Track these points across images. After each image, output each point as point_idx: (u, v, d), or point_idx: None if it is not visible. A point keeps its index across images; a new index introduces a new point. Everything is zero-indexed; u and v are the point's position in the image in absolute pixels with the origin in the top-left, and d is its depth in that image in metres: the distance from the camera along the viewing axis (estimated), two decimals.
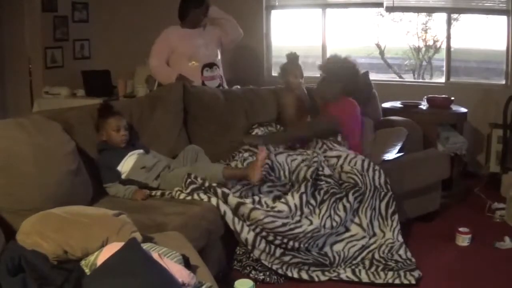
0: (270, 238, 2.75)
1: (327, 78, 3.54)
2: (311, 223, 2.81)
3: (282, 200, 2.85)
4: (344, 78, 3.50)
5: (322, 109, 3.59)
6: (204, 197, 2.74)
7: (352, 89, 3.56)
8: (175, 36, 3.91)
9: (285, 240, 2.77)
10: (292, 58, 3.75)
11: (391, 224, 3.05)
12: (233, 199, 2.72)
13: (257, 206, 2.76)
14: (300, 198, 2.86)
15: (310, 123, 3.58)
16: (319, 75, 3.66)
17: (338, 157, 3.18)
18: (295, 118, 3.66)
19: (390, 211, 3.06)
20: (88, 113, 2.99)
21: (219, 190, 2.75)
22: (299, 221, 2.80)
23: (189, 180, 2.82)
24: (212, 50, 4.00)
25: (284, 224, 2.72)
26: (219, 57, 4.09)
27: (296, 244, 2.79)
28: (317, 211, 2.88)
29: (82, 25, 5.77)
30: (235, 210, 2.72)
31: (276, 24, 5.45)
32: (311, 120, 3.59)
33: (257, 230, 2.73)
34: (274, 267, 2.77)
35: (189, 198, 2.76)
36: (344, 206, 2.92)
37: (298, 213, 2.83)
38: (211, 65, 3.93)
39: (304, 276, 2.77)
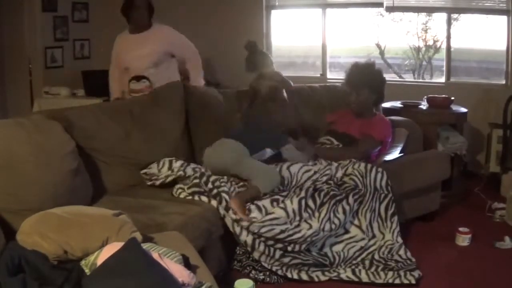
0: (270, 242, 2.75)
1: (357, 89, 3.47)
2: (310, 227, 2.79)
3: (281, 205, 2.82)
4: (376, 88, 3.49)
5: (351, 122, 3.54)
6: (205, 199, 2.74)
7: (382, 97, 3.60)
8: (119, 44, 3.88)
9: (285, 244, 2.77)
10: (252, 47, 3.68)
11: (391, 226, 3.06)
12: (232, 216, 2.71)
13: (253, 215, 2.74)
14: (299, 203, 2.83)
15: (357, 147, 3.40)
16: (341, 84, 3.66)
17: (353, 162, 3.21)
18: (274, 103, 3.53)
19: (389, 213, 3.06)
20: (89, 112, 2.99)
21: (223, 202, 2.72)
22: (298, 225, 2.78)
23: (195, 181, 2.80)
24: (146, 61, 3.71)
25: (282, 231, 2.71)
26: (160, 66, 3.79)
27: (297, 247, 2.79)
28: (316, 214, 2.86)
29: (82, 25, 5.78)
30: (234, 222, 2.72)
31: (276, 24, 5.45)
32: (361, 141, 3.43)
33: (255, 235, 2.73)
34: (274, 268, 2.76)
35: (189, 198, 2.76)
36: (344, 209, 2.91)
37: (297, 218, 2.81)
38: (138, 78, 3.66)
39: (304, 277, 2.76)
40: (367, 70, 3.53)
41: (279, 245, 2.75)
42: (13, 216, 2.16)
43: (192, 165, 2.97)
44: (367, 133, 3.42)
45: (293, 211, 2.80)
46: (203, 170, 2.93)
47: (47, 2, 5.36)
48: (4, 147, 2.26)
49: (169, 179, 2.90)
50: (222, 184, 2.83)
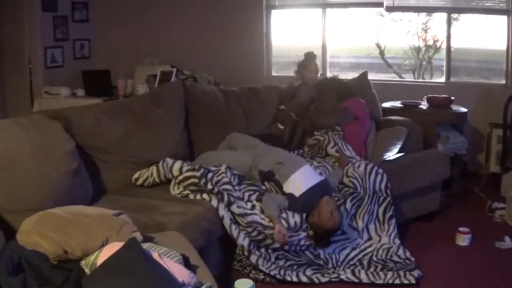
0: (268, 241, 2.77)
1: (321, 95, 3.82)
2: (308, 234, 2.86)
3: (283, 215, 2.83)
4: (329, 84, 3.84)
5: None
6: (206, 196, 2.74)
7: (344, 86, 3.80)
8: None
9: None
10: (309, 55, 3.92)
11: (388, 229, 3.07)
12: (235, 209, 2.72)
13: (255, 211, 2.77)
14: (301, 216, 2.86)
15: (330, 113, 3.69)
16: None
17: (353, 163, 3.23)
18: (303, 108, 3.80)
19: (387, 215, 3.07)
20: (89, 111, 2.99)
21: (225, 198, 2.72)
22: (298, 231, 2.85)
23: (193, 180, 2.79)
24: None
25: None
26: None
27: (293, 247, 2.83)
28: None
29: (82, 25, 5.77)
30: (234, 217, 2.74)
31: (276, 24, 5.45)
32: (331, 110, 3.72)
33: (252, 234, 2.74)
34: (272, 272, 2.75)
35: (191, 194, 2.77)
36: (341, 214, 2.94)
37: (297, 229, 2.85)
38: None
39: (304, 279, 2.75)
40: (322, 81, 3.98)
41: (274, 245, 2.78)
42: (13, 216, 2.16)
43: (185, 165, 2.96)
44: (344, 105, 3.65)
45: (295, 223, 2.83)
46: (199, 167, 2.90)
47: (47, 2, 5.35)
48: (4, 147, 2.26)
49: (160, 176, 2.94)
50: (223, 181, 2.81)
